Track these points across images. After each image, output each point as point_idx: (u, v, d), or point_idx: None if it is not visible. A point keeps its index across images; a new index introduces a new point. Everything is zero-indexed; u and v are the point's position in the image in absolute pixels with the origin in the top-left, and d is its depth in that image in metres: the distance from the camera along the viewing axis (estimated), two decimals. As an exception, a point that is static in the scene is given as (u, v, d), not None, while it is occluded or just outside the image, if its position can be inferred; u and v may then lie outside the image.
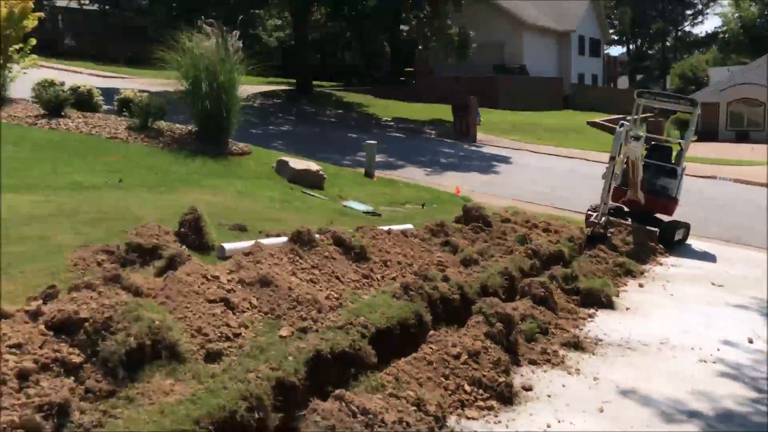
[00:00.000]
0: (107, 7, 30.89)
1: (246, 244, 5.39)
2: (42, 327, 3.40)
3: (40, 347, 3.27)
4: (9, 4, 12.63)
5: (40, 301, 3.66)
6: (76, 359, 3.26)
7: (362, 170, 12.65)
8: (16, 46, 12.91)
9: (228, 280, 4.35)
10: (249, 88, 11.49)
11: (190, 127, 11.63)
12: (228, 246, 5.35)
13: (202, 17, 10.99)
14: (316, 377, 3.68)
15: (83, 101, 12.16)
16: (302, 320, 4.17)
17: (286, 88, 30.71)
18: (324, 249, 5.19)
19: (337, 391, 3.12)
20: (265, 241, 5.26)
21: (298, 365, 3.59)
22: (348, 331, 4.04)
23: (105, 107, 12.65)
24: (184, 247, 5.19)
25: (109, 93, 13.21)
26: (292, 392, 3.47)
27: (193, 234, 5.47)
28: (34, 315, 3.48)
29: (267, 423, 3.28)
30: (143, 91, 12.34)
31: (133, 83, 21.09)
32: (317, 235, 5.35)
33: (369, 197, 10.04)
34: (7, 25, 12.69)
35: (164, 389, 3.23)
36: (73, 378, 3.17)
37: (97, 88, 12.85)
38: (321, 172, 10.25)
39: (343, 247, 5.31)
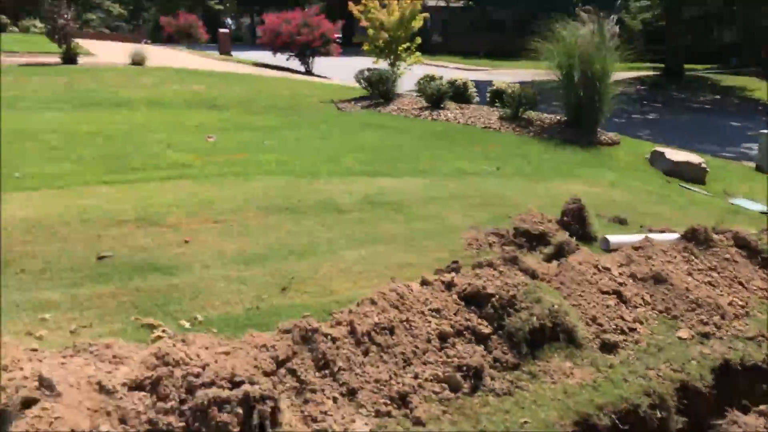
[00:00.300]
0: (471, 2, 33.00)
1: (630, 237, 5.21)
2: (455, 297, 3.81)
3: (455, 314, 3.68)
4: (401, 8, 14.45)
5: (453, 274, 4.10)
6: (485, 330, 3.57)
7: (751, 164, 11.10)
8: (404, 45, 14.74)
9: (619, 273, 4.28)
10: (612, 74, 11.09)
11: (558, 117, 11.72)
12: (612, 239, 5.24)
13: (579, 4, 10.92)
14: (722, 387, 3.38)
15: (459, 93, 13.22)
16: (703, 324, 3.86)
17: (651, 73, 28.71)
18: (723, 250, 4.71)
19: (763, 407, 2.81)
20: (654, 236, 5.01)
21: (703, 371, 3.36)
22: (760, 344, 3.63)
23: (476, 99, 13.57)
24: (569, 236, 5.25)
25: (476, 85, 14.11)
26: (697, 398, 3.27)
27: (577, 224, 5.50)
28: (448, 285, 3.92)
29: (669, 424, 3.16)
30: (512, 83, 12.86)
31: (493, 75, 22.13)
32: (714, 235, 4.88)
33: (764, 195, 8.77)
34: (398, 26, 14.57)
35: (564, 371, 3.33)
36: (482, 347, 3.49)
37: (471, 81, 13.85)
38: (703, 165, 9.31)
39: (747, 250, 4.74)
